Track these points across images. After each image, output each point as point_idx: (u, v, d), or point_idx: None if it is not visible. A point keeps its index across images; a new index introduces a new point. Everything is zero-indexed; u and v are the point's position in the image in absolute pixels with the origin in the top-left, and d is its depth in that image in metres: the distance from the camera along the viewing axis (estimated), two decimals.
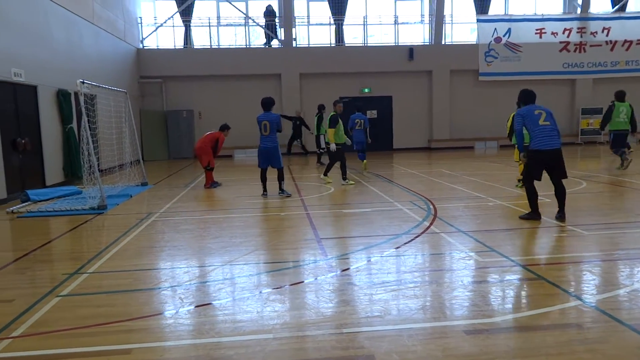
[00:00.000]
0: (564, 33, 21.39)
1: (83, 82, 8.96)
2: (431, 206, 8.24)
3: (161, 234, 6.87)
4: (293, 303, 4.16)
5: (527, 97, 7.23)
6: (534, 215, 6.95)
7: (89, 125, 8.96)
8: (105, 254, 5.81)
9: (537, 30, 21.30)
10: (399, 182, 11.44)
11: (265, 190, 9.64)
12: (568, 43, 21.45)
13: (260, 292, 4.41)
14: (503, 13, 21.96)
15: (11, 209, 8.82)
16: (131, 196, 10.27)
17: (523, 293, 4.24)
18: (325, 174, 11.42)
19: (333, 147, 11.05)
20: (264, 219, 7.77)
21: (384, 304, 4.06)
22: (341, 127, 11.33)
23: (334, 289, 4.46)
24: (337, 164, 11.26)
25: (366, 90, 21.19)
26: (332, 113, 11.43)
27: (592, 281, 4.55)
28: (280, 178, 9.59)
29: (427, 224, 6.95)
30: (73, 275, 4.99)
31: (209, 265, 5.40)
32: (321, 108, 15.72)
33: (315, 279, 4.75)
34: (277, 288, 4.50)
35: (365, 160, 13.79)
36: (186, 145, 20.15)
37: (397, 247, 5.76)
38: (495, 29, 21.23)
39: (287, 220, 7.60)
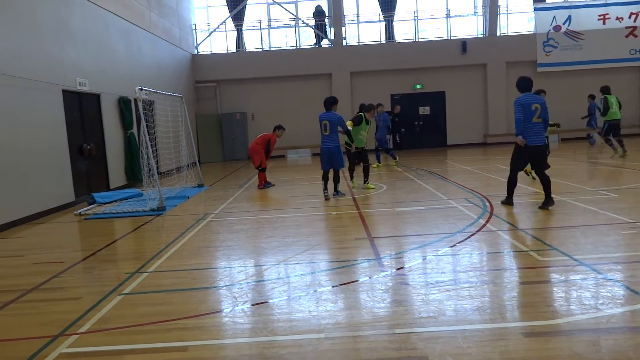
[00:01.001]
0: (630, 17, 20.14)
1: (141, 89, 9.34)
2: (487, 203, 7.98)
3: (216, 234, 7.05)
4: (345, 302, 4.14)
5: (525, 85, 7.45)
6: (509, 200, 7.75)
7: (147, 130, 9.35)
8: (164, 254, 6.02)
9: (600, 16, 20.17)
10: (453, 178, 11.16)
11: (326, 188, 9.34)
12: (635, 28, 20.17)
13: (313, 292, 4.43)
14: (562, 0, 20.97)
15: (79, 211, 9.34)
16: (188, 197, 10.61)
17: (587, 294, 4.01)
18: (365, 181, 10.46)
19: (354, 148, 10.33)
20: (315, 219, 7.80)
21: (438, 304, 3.97)
22: (363, 129, 10.21)
23: (386, 288, 4.41)
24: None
25: (418, 86, 20.84)
26: (358, 113, 10.45)
27: None
28: (338, 179, 9.55)
29: (482, 221, 6.74)
30: (134, 274, 5.21)
31: (263, 265, 5.48)
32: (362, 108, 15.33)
33: (368, 278, 4.71)
34: (330, 287, 4.51)
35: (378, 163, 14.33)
36: (240, 146, 20.58)
37: (452, 246, 5.62)
38: (554, 16, 20.30)
39: (339, 220, 7.59)
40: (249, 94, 20.82)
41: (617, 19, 20.17)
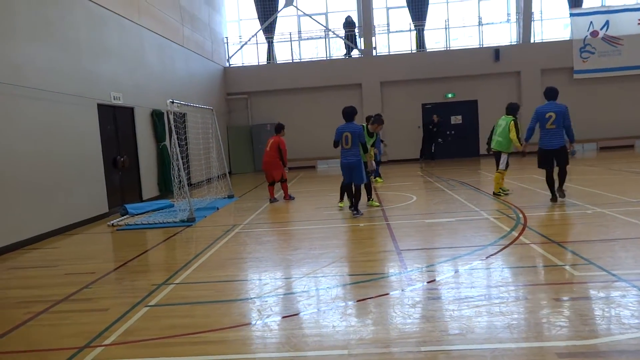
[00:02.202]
0: None
1: (172, 102, 9.51)
2: (520, 215, 7.73)
3: (244, 246, 7.05)
4: (370, 317, 4.04)
5: (548, 94, 8.65)
6: (553, 197, 8.68)
7: (178, 142, 9.50)
8: (191, 265, 6.05)
9: (639, 20, 19.48)
10: (486, 189, 10.89)
11: (342, 199, 9.27)
12: None
13: (338, 306, 4.34)
14: (599, 5, 20.37)
15: (111, 222, 9.54)
16: (218, 209, 10.70)
17: (627, 312, 3.79)
18: (369, 198, 9.76)
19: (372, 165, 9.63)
20: (343, 230, 7.72)
21: (467, 320, 3.82)
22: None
23: (413, 303, 4.28)
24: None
25: (450, 95, 20.56)
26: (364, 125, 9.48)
27: None
28: (358, 197, 8.74)
29: (515, 234, 6.52)
30: (161, 286, 5.25)
31: (288, 277, 5.43)
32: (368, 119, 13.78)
33: (394, 292, 4.59)
34: (355, 302, 4.41)
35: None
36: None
37: (483, 260, 5.45)
38: (591, 22, 19.73)
39: (366, 231, 7.49)
40: (280, 105, 20.97)
41: None
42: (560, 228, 6.96)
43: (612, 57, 19.70)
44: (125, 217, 10.10)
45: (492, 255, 5.61)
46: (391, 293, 4.58)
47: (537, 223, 7.13)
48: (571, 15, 19.92)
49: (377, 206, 9.54)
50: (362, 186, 8.98)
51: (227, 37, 21.38)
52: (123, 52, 11.82)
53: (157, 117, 13.12)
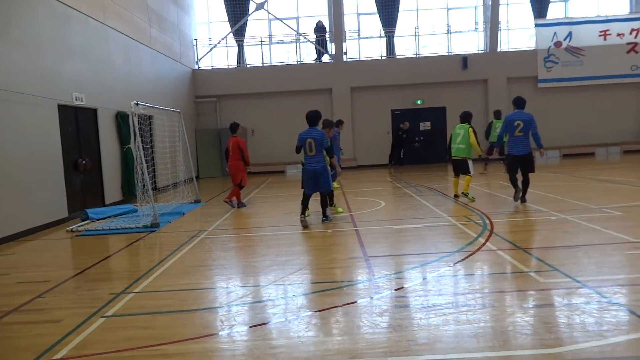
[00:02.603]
0: (631, 34, 20.12)
1: (137, 104, 9.23)
2: (487, 221, 7.79)
3: (209, 252, 6.86)
4: (337, 327, 3.94)
5: (516, 102, 9.27)
6: (516, 190, 9.21)
7: (144, 145, 9.23)
8: (152, 273, 5.84)
9: (601, 32, 20.15)
10: (453, 195, 10.96)
11: (304, 213, 8.33)
12: (636, 44, 20.13)
13: (304, 315, 4.23)
14: (563, 16, 20.98)
15: (71, 227, 9.17)
16: (184, 214, 10.44)
17: (591, 319, 3.81)
18: (331, 204, 9.50)
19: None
20: (310, 236, 7.61)
21: (434, 329, 3.77)
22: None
23: (380, 311, 4.21)
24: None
25: (419, 101, 20.77)
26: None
27: None
28: (325, 203, 8.53)
29: (482, 240, 6.55)
30: (120, 295, 5.02)
31: (253, 285, 5.28)
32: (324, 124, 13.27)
33: (362, 300, 4.51)
34: (320, 311, 4.31)
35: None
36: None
37: (450, 266, 5.43)
38: (555, 33, 20.29)
39: (334, 237, 7.40)
40: (249, 109, 20.76)
41: (618, 35, 20.15)
42: (526, 234, 7.04)
43: (575, 67, 20.29)
44: (85, 222, 9.74)
45: (459, 261, 5.60)
46: (358, 301, 4.50)
47: (503, 229, 7.19)
48: (536, 25, 20.43)
49: (341, 212, 9.33)
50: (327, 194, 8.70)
51: (196, 39, 21.06)
52: (87, 51, 11.45)
53: (121, 119, 12.75)
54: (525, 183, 9.17)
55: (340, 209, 9.49)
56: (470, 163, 10.22)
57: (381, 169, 19.56)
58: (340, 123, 12.53)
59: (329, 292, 4.82)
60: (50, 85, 9.83)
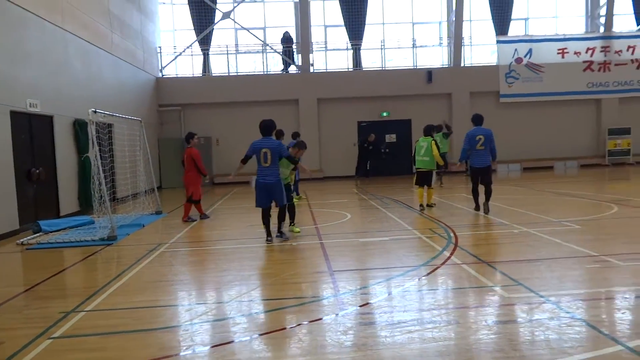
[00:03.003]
0: (587, 52, 20.90)
1: (95, 112, 8.89)
2: (452, 234, 7.81)
3: (168, 267, 6.60)
4: (298, 347, 3.80)
5: (475, 120, 10.05)
6: (477, 206, 9.98)
7: (103, 154, 8.88)
8: (106, 290, 5.54)
9: (559, 50, 20.86)
10: (419, 207, 11.00)
11: (269, 234, 7.77)
12: (592, 62, 20.92)
13: (262, 334, 4.06)
14: (523, 34, 21.63)
15: (21, 240, 8.69)
16: (143, 225, 10.09)
17: (555, 336, 3.79)
18: (292, 223, 8.82)
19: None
20: (275, 250, 7.44)
21: (399, 347, 3.67)
22: (284, 165, 8.28)
23: (344, 329, 4.08)
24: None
25: (384, 114, 20.93)
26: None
27: (633, 321, 4.07)
28: (282, 217, 7.93)
29: (447, 254, 6.54)
30: (70, 314, 4.73)
31: (214, 302, 5.08)
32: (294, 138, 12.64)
33: (326, 317, 4.38)
34: (282, 329, 4.15)
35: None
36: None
37: (415, 281, 5.36)
38: (516, 49, 20.87)
39: (299, 251, 7.25)
40: (214, 119, 20.45)
41: (575, 53, 20.89)
42: (490, 248, 7.07)
43: (535, 83, 20.90)
44: (38, 234, 9.26)
45: (424, 276, 5.55)
46: (323, 318, 4.36)
47: (468, 242, 7.21)
48: (497, 42, 20.97)
49: (298, 232, 8.50)
50: (286, 208, 8.13)
51: (160, 47, 20.65)
52: (43, 56, 11.00)
53: (79, 127, 12.29)
54: (488, 193, 9.82)
55: (297, 229, 8.62)
56: (434, 174, 10.80)
57: (348, 180, 19.55)
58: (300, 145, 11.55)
59: (293, 309, 4.67)
60: (2, 91, 9.37)
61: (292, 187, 8.59)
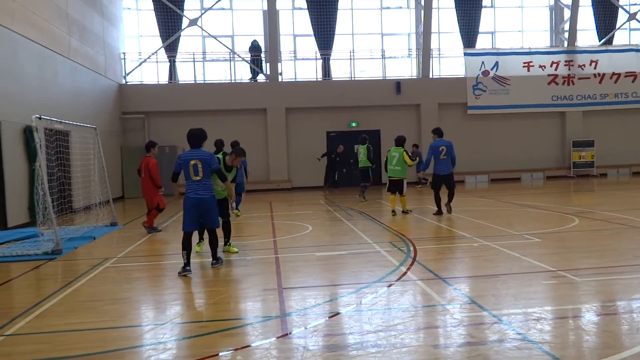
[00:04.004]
0: (551, 66, 21.25)
1: (40, 118, 8.42)
2: (411, 247, 7.60)
3: (110, 284, 6.19)
4: None
5: (438, 132, 11.12)
6: (439, 211, 10.96)
7: (58, 163, 8.40)
8: (35, 310, 5.11)
9: (524, 63, 21.16)
10: (382, 219, 10.82)
11: (188, 263, 6.41)
12: (556, 76, 21.28)
13: None
14: (490, 47, 21.88)
15: None
16: (94, 238, 9.60)
17: (497, 358, 3.57)
18: (227, 242, 7.78)
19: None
20: (227, 264, 7.08)
21: None
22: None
23: (279, 357, 3.78)
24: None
25: (353, 124, 20.81)
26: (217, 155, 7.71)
27: (586, 342, 3.89)
28: (216, 243, 6.86)
29: (404, 269, 6.30)
30: None
31: (148, 324, 4.71)
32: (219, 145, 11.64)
33: (264, 342, 4.07)
34: (213, 356, 3.81)
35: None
36: (168, 182, 19.41)
37: (366, 300, 5.10)
38: (483, 62, 21.08)
39: (252, 266, 6.91)
40: (180, 128, 19.75)
41: (540, 67, 21.22)
42: (447, 262, 6.88)
43: (501, 95, 21.11)
44: None
45: (377, 294, 5.29)
46: (259, 343, 4.05)
47: (426, 256, 7.00)
48: (465, 54, 21.15)
49: (236, 252, 7.62)
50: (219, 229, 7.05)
51: (124, 53, 20.12)
52: None
53: (30, 133, 11.69)
54: (451, 195, 11.01)
55: (235, 249, 7.70)
56: (404, 183, 11.34)
57: (316, 191, 19.28)
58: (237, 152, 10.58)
59: (232, 332, 4.35)
60: None
61: (229, 202, 7.69)
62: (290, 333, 4.24)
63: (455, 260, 7.03)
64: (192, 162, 6.55)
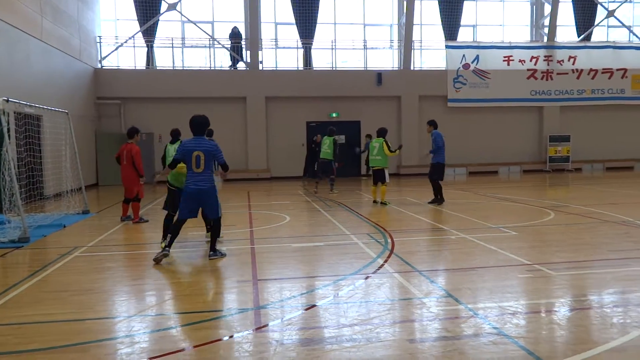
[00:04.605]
0: (531, 61, 21.41)
1: (7, 100, 8.09)
2: (389, 239, 7.55)
3: (78, 274, 5.98)
4: None
5: (436, 124, 11.72)
6: (441, 199, 11.54)
7: (28, 148, 8.08)
8: None
9: (504, 57, 21.27)
10: (361, 211, 10.76)
11: (169, 245, 6.37)
12: (535, 71, 21.46)
13: (155, 357, 3.59)
14: (471, 40, 21.92)
15: None
16: (64, 226, 9.32)
17: (481, 356, 3.53)
18: (168, 244, 6.57)
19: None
20: (201, 255, 6.93)
21: None
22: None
23: (254, 351, 3.67)
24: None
25: (334, 114, 20.68)
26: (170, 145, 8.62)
27: (561, 337, 3.88)
28: (216, 233, 6.71)
29: (381, 261, 6.25)
30: None
31: (116, 317, 4.54)
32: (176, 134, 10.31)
33: (235, 335, 3.96)
34: (179, 351, 3.69)
35: None
36: (145, 169, 19.03)
37: (342, 292, 5.02)
38: (464, 55, 21.12)
39: (227, 257, 6.76)
40: (157, 114, 19.54)
41: (520, 61, 21.36)
42: (424, 255, 6.84)
43: (481, 89, 21.21)
44: None
45: (353, 287, 5.22)
46: (234, 336, 3.94)
47: (404, 249, 6.95)
48: (446, 47, 21.15)
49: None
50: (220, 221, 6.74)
51: (100, 37, 19.56)
52: None
53: None
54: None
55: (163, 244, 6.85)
56: (386, 172, 11.53)
57: (295, 181, 19.14)
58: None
59: (204, 324, 4.22)
60: None
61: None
62: (264, 326, 4.14)
63: (433, 252, 7.00)
64: (195, 153, 6.36)
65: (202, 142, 6.45)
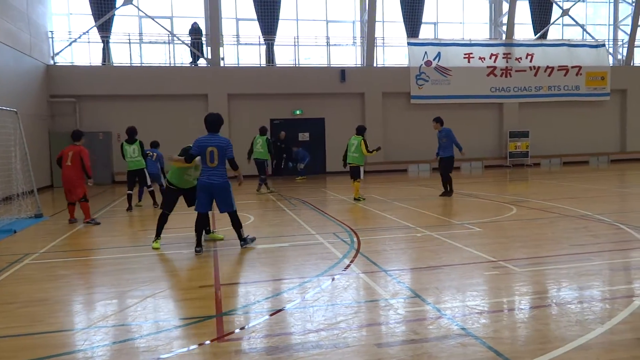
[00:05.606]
0: (490, 58, 21.80)
1: None
2: (355, 239, 7.46)
3: (27, 284, 5.63)
4: None
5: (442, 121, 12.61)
6: (449, 192, 12.07)
7: None
8: None
9: (465, 54, 21.57)
10: (326, 209, 10.66)
11: (200, 244, 6.84)
12: (495, 68, 21.86)
13: None
14: (433, 37, 22.15)
15: None
16: (15, 232, 8.83)
17: (443, 356, 3.46)
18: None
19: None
20: (162, 259, 6.67)
21: None
22: (195, 168, 7.25)
23: None
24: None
25: (298, 112, 20.50)
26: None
27: (528, 336, 3.86)
28: (238, 224, 7.05)
29: (347, 261, 6.15)
30: None
31: (67, 330, 4.27)
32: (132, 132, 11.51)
33: (191, 348, 3.76)
34: None
35: None
36: (102, 169, 18.45)
37: (307, 296, 4.89)
38: (426, 52, 21.29)
39: (188, 261, 6.53)
40: (115, 113, 18.88)
41: (480, 58, 21.72)
42: (391, 254, 6.78)
43: (443, 85, 21.45)
44: None
45: (318, 289, 5.09)
46: (190, 348, 3.74)
47: (370, 248, 6.88)
48: (408, 44, 21.28)
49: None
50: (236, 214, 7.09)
51: (52, 32, 18.73)
52: None
53: None
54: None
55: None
56: (361, 170, 11.87)
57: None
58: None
59: (162, 335, 4.00)
60: None
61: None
62: (228, 334, 3.96)
63: (399, 251, 6.95)
64: (209, 148, 6.73)
65: (216, 138, 6.85)
